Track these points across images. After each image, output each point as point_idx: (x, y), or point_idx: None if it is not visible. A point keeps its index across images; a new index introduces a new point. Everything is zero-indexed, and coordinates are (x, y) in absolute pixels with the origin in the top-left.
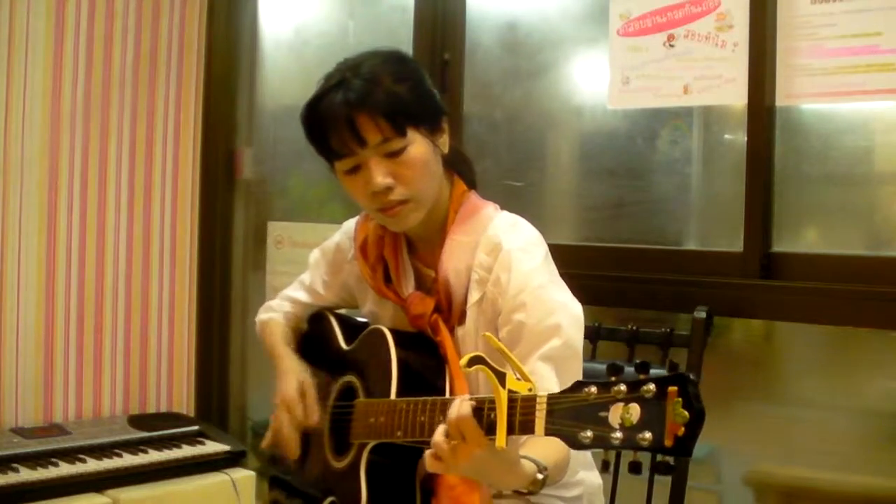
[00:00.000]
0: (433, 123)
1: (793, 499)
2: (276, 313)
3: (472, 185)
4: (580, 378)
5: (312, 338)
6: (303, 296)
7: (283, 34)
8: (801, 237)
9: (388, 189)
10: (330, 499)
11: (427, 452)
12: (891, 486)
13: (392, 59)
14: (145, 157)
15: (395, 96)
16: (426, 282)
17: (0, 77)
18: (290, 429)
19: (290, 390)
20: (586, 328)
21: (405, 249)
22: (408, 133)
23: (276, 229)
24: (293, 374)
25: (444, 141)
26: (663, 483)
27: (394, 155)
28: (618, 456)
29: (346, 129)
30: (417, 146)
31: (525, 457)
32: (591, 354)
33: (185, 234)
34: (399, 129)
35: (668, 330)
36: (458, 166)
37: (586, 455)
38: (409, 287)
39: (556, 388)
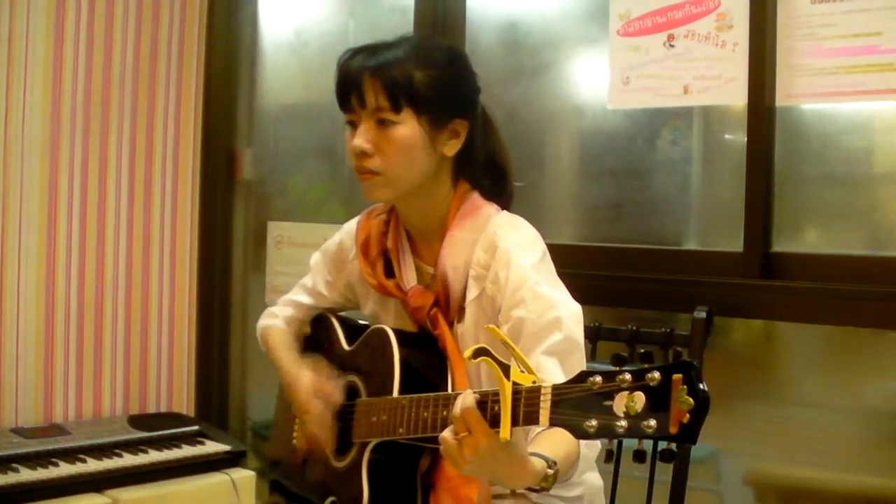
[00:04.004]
0: (438, 118)
1: (793, 499)
2: (276, 319)
3: (495, 197)
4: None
5: (314, 340)
6: (305, 298)
7: (283, 34)
8: (801, 237)
9: (365, 154)
10: (330, 499)
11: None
12: (891, 486)
13: (425, 46)
14: (145, 157)
15: (407, 77)
16: (425, 278)
17: (0, 77)
18: (322, 426)
19: (303, 394)
20: (586, 328)
21: (407, 245)
22: (403, 112)
23: (276, 229)
24: (301, 379)
25: (452, 144)
26: (663, 483)
27: (383, 125)
28: (619, 452)
29: (353, 87)
30: (407, 128)
31: (534, 453)
32: (591, 354)
33: (185, 234)
34: (394, 105)
35: (668, 330)
36: (472, 172)
37: (592, 455)
38: (410, 280)
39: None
